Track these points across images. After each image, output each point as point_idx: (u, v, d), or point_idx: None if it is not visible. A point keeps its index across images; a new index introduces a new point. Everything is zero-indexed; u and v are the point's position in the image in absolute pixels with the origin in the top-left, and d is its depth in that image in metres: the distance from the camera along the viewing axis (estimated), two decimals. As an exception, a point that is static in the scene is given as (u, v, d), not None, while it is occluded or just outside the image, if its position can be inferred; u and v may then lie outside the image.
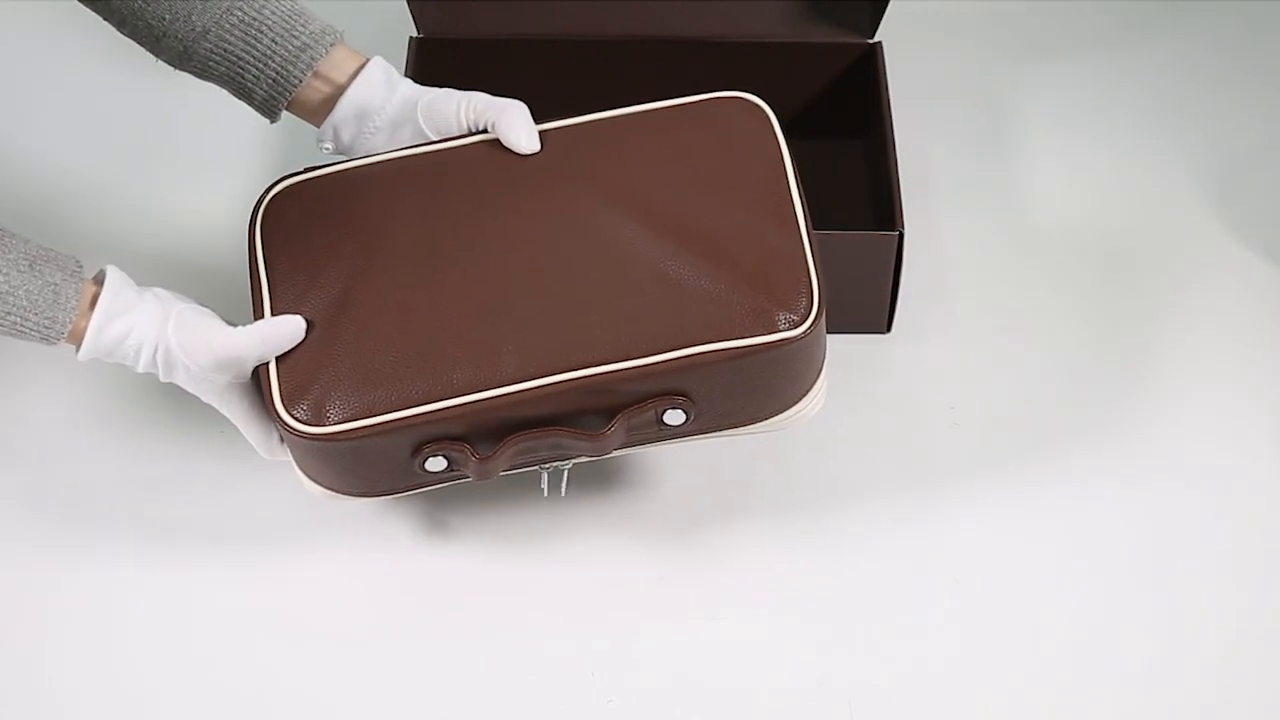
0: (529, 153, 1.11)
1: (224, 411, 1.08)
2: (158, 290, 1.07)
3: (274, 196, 1.12)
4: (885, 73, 1.35)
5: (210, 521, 1.17)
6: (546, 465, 1.09)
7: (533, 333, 1.04)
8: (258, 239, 1.10)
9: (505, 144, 1.11)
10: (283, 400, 1.03)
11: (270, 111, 1.15)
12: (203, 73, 1.15)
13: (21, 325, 1.02)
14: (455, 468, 1.06)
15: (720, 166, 1.10)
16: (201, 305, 1.07)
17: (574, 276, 1.05)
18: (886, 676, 1.08)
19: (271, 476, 1.18)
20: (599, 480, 1.19)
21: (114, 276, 1.05)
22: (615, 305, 1.04)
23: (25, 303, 1.02)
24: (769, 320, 1.03)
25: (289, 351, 1.05)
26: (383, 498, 1.10)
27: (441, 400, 1.02)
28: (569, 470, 1.11)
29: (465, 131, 1.13)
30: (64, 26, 1.50)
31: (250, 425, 1.08)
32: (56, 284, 1.03)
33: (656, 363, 1.03)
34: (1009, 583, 1.13)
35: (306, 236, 1.09)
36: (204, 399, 1.07)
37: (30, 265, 1.02)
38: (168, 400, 1.22)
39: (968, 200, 1.39)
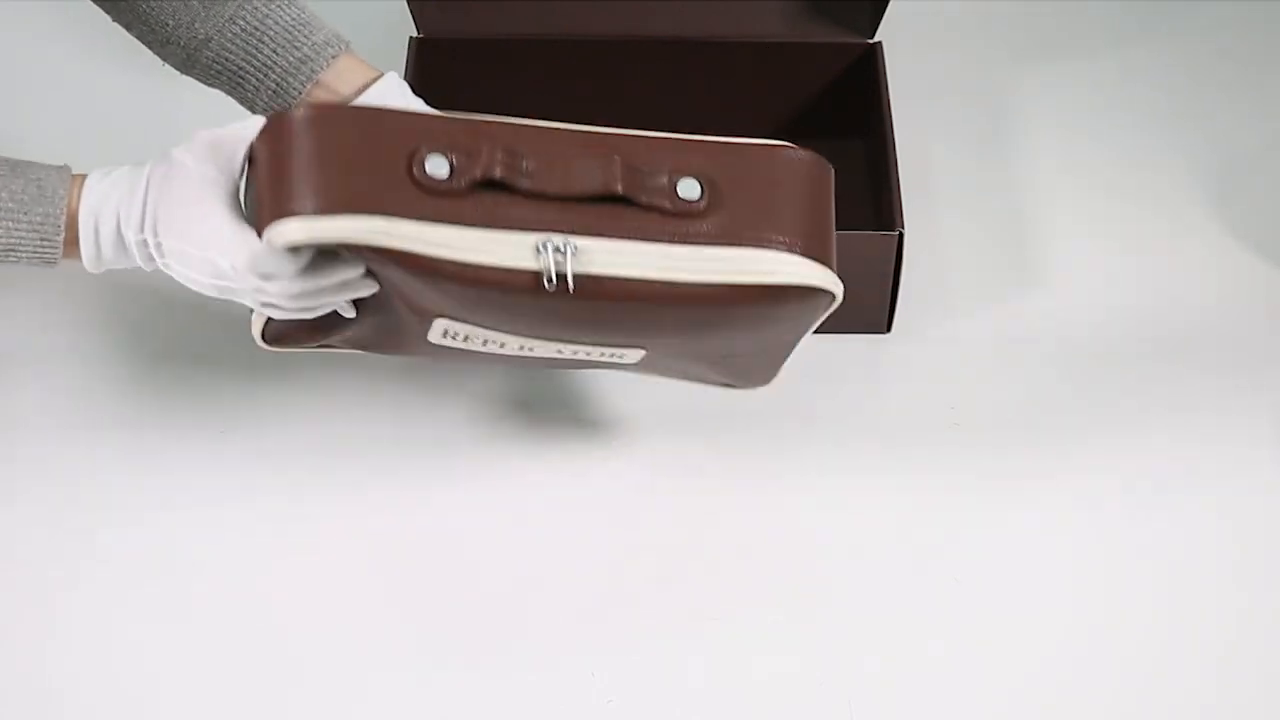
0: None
1: (206, 224, 0.99)
2: None
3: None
4: (885, 73, 1.35)
5: (206, 512, 1.17)
6: (545, 242, 0.99)
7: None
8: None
9: None
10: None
11: None
12: (206, 79, 1.14)
13: (14, 230, 0.99)
14: (458, 169, 0.98)
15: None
16: None
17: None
18: (886, 676, 1.08)
19: (272, 468, 1.18)
20: (598, 480, 1.19)
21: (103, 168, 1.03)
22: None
23: (11, 204, 0.99)
24: (787, 147, 1.03)
25: None
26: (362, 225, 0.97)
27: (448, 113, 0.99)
28: (572, 255, 0.99)
29: None
30: (64, 26, 1.50)
31: (228, 230, 0.98)
32: (40, 179, 1.00)
33: (675, 138, 1.01)
34: (1009, 583, 1.13)
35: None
36: (187, 229, 0.99)
37: (11, 169, 1.00)
38: (164, 393, 1.22)
39: (968, 200, 1.39)
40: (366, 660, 1.09)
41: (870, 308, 1.26)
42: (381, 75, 1.14)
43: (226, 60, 1.12)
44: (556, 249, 0.99)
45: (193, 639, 1.11)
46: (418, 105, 1.13)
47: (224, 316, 1.23)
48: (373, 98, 1.12)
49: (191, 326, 1.27)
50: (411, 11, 1.38)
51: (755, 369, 1.15)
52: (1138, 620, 1.11)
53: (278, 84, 1.12)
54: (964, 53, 1.52)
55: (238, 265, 0.98)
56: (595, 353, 1.07)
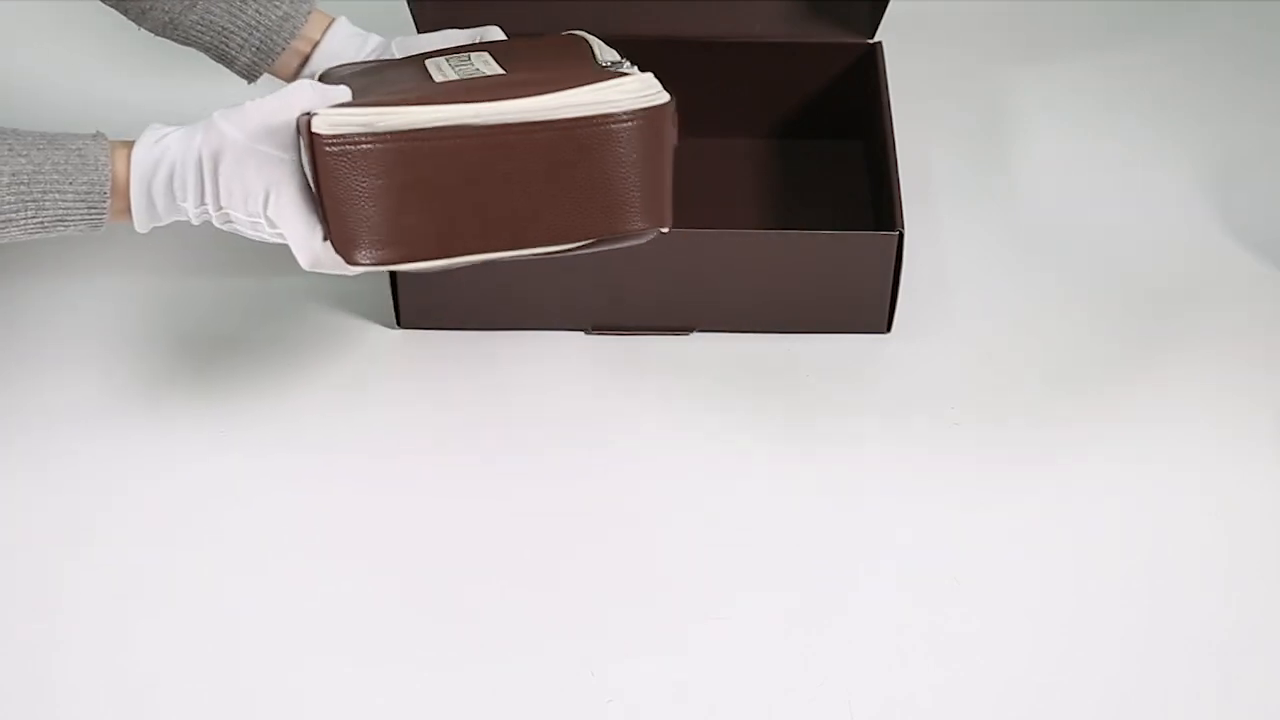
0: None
1: (272, 207, 1.03)
2: None
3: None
4: (885, 73, 1.35)
5: (205, 503, 1.17)
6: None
7: None
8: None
9: None
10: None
11: (251, 76, 1.18)
12: (186, 41, 1.16)
13: (61, 200, 1.00)
14: None
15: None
16: None
17: None
18: (887, 676, 1.08)
19: (271, 463, 1.18)
20: (597, 479, 1.19)
21: (155, 124, 1.05)
22: None
23: (55, 175, 1.00)
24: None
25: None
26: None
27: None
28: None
29: None
30: (64, 27, 1.50)
31: (296, 218, 1.03)
32: (80, 148, 1.01)
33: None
34: (1009, 583, 1.13)
35: None
36: (249, 206, 1.03)
37: (49, 142, 1.01)
38: (162, 384, 1.22)
39: (968, 200, 1.39)
40: (366, 659, 1.09)
41: (870, 308, 1.26)
42: (337, 19, 1.18)
43: (211, 22, 1.14)
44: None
45: (193, 630, 1.11)
46: (375, 37, 1.19)
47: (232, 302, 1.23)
48: (335, 41, 1.17)
49: (195, 314, 1.28)
50: (412, 12, 1.38)
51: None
52: (1138, 620, 1.11)
53: (261, 42, 1.15)
54: (964, 53, 1.52)
55: (302, 261, 1.03)
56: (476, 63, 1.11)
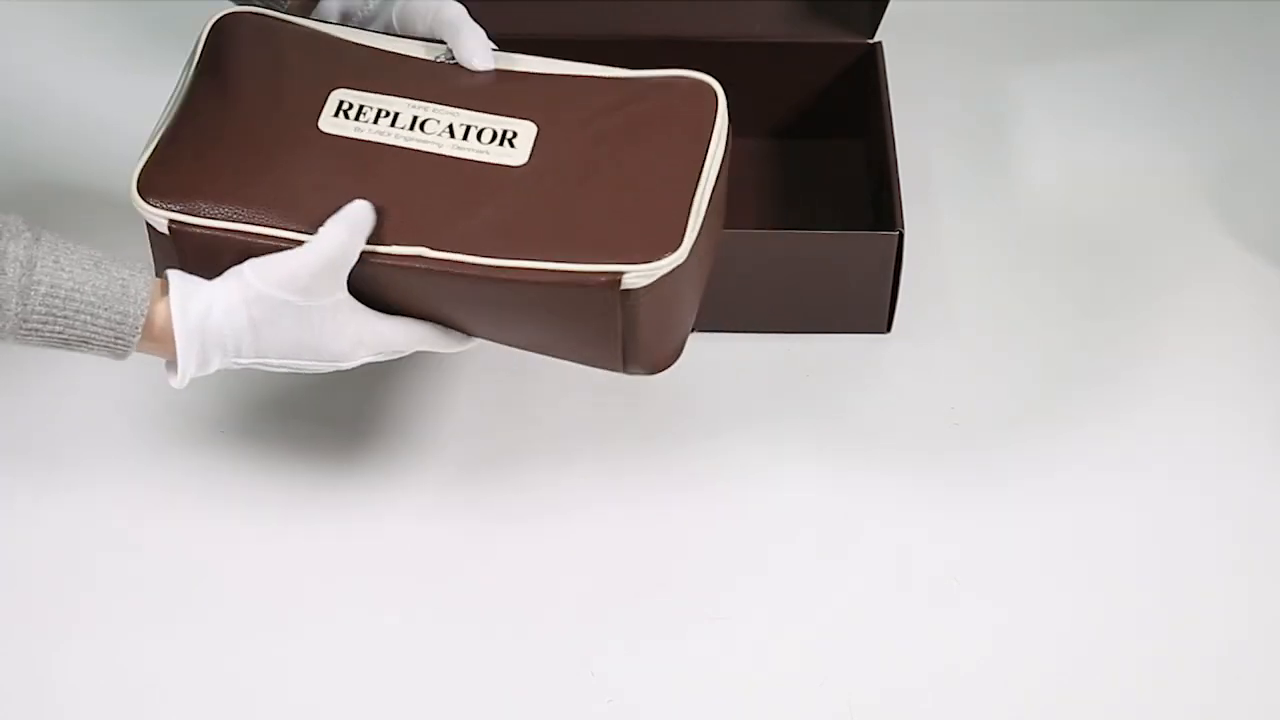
0: (480, 69, 1.10)
1: (364, 342, 1.05)
2: None
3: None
4: (885, 73, 1.35)
5: (205, 512, 1.17)
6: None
7: None
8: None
9: (459, 58, 1.11)
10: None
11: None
12: None
13: (91, 324, 1.00)
14: None
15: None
16: None
17: None
18: (886, 676, 1.08)
19: (271, 467, 1.18)
20: (597, 479, 1.19)
21: (176, 271, 1.04)
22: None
23: (93, 299, 0.99)
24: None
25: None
26: None
27: None
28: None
29: (428, 35, 1.13)
30: (64, 27, 1.50)
31: (388, 334, 1.06)
32: (125, 279, 1.01)
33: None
34: (1009, 583, 1.13)
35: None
36: (335, 351, 1.04)
37: (95, 264, 1.01)
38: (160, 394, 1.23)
39: (968, 200, 1.39)
40: (366, 659, 1.09)
41: (870, 308, 1.26)
42: None
43: None
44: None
45: (192, 629, 1.11)
46: None
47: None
48: None
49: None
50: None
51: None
52: (1138, 619, 1.11)
53: None
54: (964, 53, 1.52)
55: (413, 344, 1.07)
56: (485, 131, 1.07)
